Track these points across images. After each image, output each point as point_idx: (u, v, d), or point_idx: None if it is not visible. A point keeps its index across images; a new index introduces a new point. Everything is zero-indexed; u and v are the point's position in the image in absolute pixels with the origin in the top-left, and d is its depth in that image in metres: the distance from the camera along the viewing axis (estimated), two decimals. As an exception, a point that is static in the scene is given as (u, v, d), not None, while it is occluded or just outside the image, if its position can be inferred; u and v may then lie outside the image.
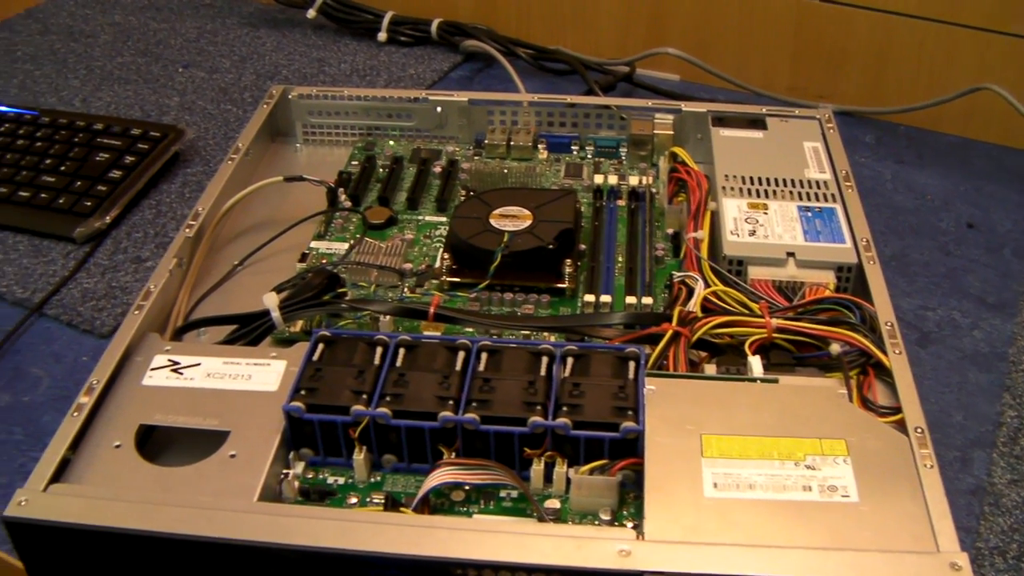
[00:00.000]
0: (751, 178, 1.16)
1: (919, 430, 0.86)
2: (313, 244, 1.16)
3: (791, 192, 1.14)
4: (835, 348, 0.96)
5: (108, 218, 1.28)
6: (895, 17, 1.45)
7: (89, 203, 1.29)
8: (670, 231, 1.16)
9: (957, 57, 1.45)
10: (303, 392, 0.89)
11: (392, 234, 1.18)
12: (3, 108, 1.48)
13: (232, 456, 0.86)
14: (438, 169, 1.29)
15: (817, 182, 1.16)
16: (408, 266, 1.12)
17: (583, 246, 1.14)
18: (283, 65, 1.68)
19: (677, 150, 1.24)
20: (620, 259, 1.13)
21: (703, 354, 0.98)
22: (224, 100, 1.58)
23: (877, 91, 1.53)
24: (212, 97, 1.59)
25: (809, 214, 1.10)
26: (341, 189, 1.23)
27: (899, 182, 1.38)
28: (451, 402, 0.87)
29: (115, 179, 1.33)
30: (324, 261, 1.13)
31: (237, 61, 1.70)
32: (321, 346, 0.94)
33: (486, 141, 1.32)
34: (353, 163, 1.30)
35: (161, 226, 1.29)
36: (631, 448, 0.86)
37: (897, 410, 0.89)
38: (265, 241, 1.17)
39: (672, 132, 1.29)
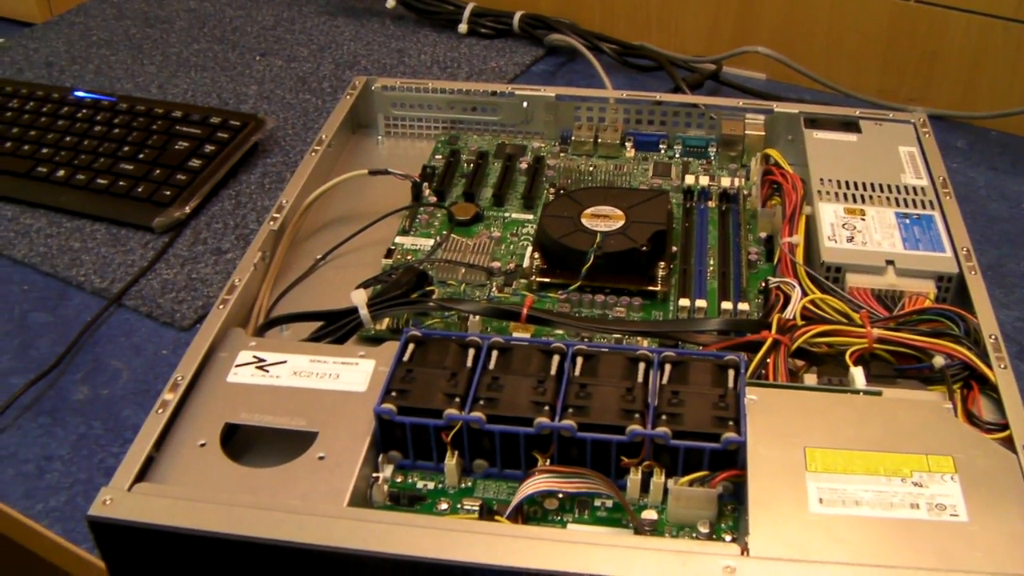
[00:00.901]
0: (847, 182, 1.14)
1: (1028, 448, 0.83)
2: (398, 239, 1.15)
3: (888, 198, 1.12)
4: (938, 361, 0.93)
5: (188, 208, 1.27)
6: (991, 19, 1.42)
7: (168, 192, 1.28)
8: (763, 235, 1.14)
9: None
10: (394, 393, 0.87)
11: (479, 231, 1.17)
12: (80, 93, 1.47)
13: (321, 458, 0.84)
14: (524, 165, 1.27)
15: (914, 188, 1.13)
16: (496, 264, 1.10)
17: (675, 248, 1.12)
18: (362, 55, 1.67)
19: (771, 152, 1.22)
20: (712, 262, 1.11)
21: (800, 363, 0.96)
22: (303, 90, 1.56)
23: (970, 95, 1.50)
24: (290, 86, 1.57)
25: (907, 221, 1.08)
26: (425, 184, 1.22)
27: (993, 189, 1.36)
28: (547, 408, 0.85)
29: (195, 168, 1.32)
30: (410, 257, 1.12)
31: (315, 50, 1.68)
32: (412, 346, 0.92)
33: (572, 138, 1.31)
34: (437, 157, 1.29)
35: (241, 217, 1.28)
36: (732, 460, 0.84)
37: (1004, 427, 0.87)
38: (349, 235, 1.15)
39: (763, 133, 1.27)
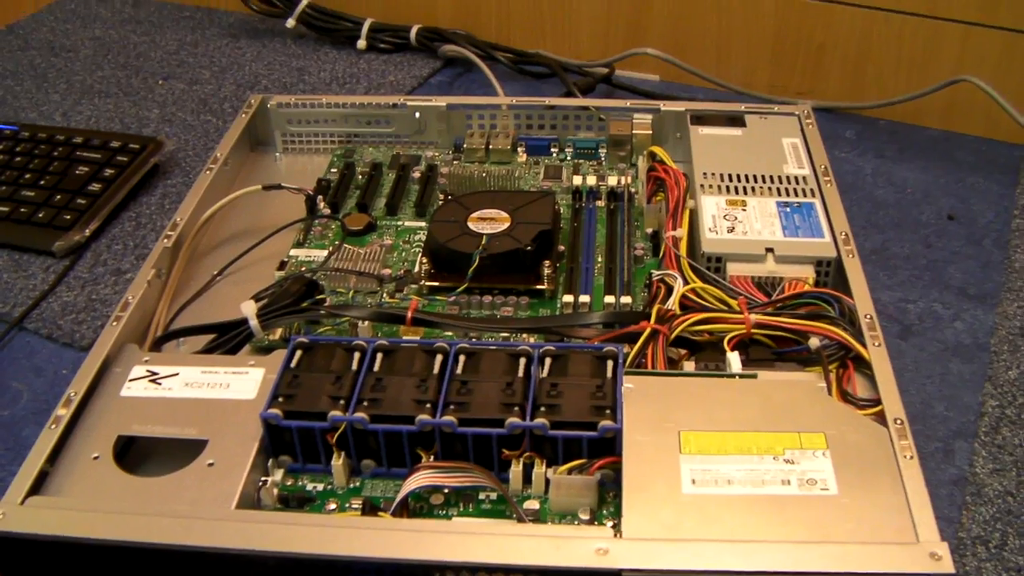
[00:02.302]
0: (730, 175, 1.16)
1: (898, 421, 0.86)
2: (292, 252, 1.16)
3: (770, 188, 1.14)
4: (814, 342, 0.96)
5: (87, 231, 1.28)
6: (874, 11, 1.45)
7: (68, 216, 1.29)
8: (649, 230, 1.16)
9: (937, 50, 1.45)
10: (281, 399, 0.89)
11: (371, 240, 1.18)
12: (-18, 124, 1.48)
13: (210, 464, 0.86)
14: (417, 174, 1.29)
15: (796, 177, 1.16)
16: (387, 272, 1.12)
17: (562, 247, 1.14)
18: (263, 75, 1.68)
19: (655, 149, 1.24)
20: (600, 259, 1.13)
21: (683, 352, 0.98)
22: (204, 111, 1.58)
23: (858, 86, 1.53)
24: (192, 108, 1.58)
25: (788, 210, 1.10)
26: (320, 196, 1.23)
27: (880, 176, 1.38)
28: (429, 405, 0.87)
29: (94, 192, 1.33)
30: (303, 269, 1.13)
31: (217, 72, 1.70)
32: (299, 353, 0.93)
33: (465, 145, 1.32)
34: (332, 170, 1.30)
35: (141, 238, 1.29)
36: (610, 447, 0.85)
37: (877, 402, 0.89)
38: (244, 250, 1.16)
39: (651, 132, 1.29)
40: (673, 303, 1.01)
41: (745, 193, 1.13)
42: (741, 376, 0.92)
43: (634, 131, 1.30)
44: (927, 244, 1.26)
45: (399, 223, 1.21)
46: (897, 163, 1.41)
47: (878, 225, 1.29)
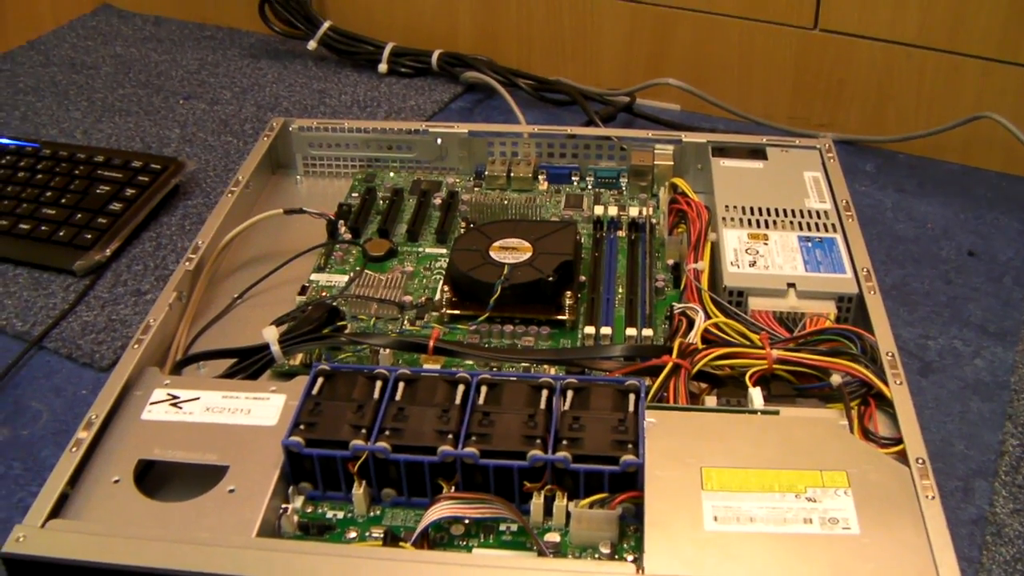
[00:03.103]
0: (751, 208, 1.16)
1: (920, 461, 0.86)
2: (313, 277, 1.16)
3: (791, 222, 1.14)
4: (836, 379, 0.95)
5: (108, 251, 1.29)
6: (896, 46, 1.45)
7: (89, 236, 1.29)
8: (670, 262, 1.16)
9: (957, 86, 1.45)
10: (302, 427, 0.88)
11: (392, 266, 1.18)
12: (4, 140, 1.48)
13: (231, 491, 0.86)
14: (438, 201, 1.29)
15: (817, 212, 1.16)
16: (408, 299, 1.12)
17: (583, 278, 1.14)
18: (284, 97, 1.69)
19: (677, 181, 1.24)
20: (620, 290, 1.13)
21: (704, 386, 0.98)
22: (225, 132, 1.58)
23: (878, 120, 1.53)
24: (213, 129, 1.59)
25: (809, 244, 1.10)
26: (341, 221, 1.23)
27: (900, 211, 1.38)
28: (450, 436, 0.87)
29: (115, 212, 1.34)
30: (324, 294, 1.13)
31: (238, 93, 1.70)
32: (320, 380, 0.93)
33: (486, 172, 1.33)
34: (353, 195, 1.31)
35: (161, 259, 1.30)
36: (631, 481, 0.85)
37: (898, 441, 0.89)
38: (265, 274, 1.17)
39: (672, 163, 1.30)
40: (695, 337, 1.01)
41: (767, 227, 1.13)
42: (763, 412, 0.92)
43: (655, 161, 1.30)
44: (947, 280, 1.26)
45: (420, 249, 1.21)
46: (917, 197, 1.41)
47: (898, 260, 1.29)
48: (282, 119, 1.37)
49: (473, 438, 0.87)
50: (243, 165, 1.30)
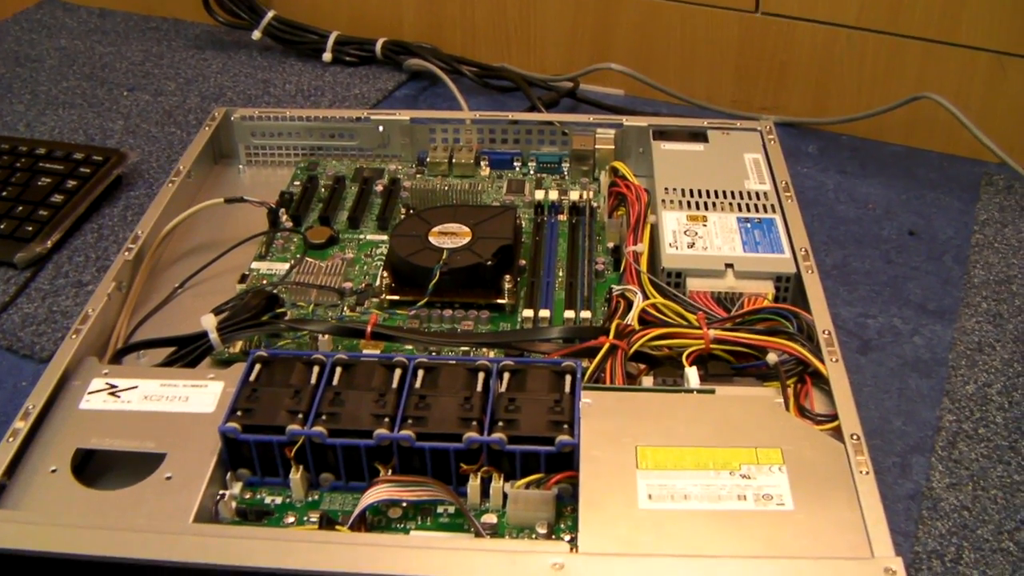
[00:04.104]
0: (691, 191, 1.16)
1: (855, 437, 0.86)
2: (254, 265, 1.16)
3: (731, 204, 1.14)
4: (772, 357, 0.96)
5: (49, 243, 1.28)
6: (837, 28, 1.45)
7: (30, 228, 1.29)
8: (611, 245, 1.16)
9: (899, 67, 1.46)
10: (239, 413, 0.88)
11: (333, 253, 1.18)
12: (-54, 135, 1.48)
13: (168, 478, 0.85)
14: (380, 188, 1.29)
15: (757, 193, 1.16)
16: (348, 285, 1.12)
17: (523, 262, 1.14)
18: (228, 87, 1.69)
19: (617, 164, 1.24)
20: (561, 274, 1.13)
21: (642, 367, 0.98)
22: (169, 123, 1.58)
23: (820, 102, 1.54)
24: (156, 120, 1.59)
25: (748, 225, 1.11)
26: (282, 209, 1.23)
27: (842, 192, 1.39)
28: (387, 420, 0.87)
29: (56, 204, 1.33)
30: (264, 282, 1.13)
31: (182, 84, 1.70)
32: (258, 367, 0.93)
33: (428, 159, 1.33)
34: (295, 183, 1.30)
35: (103, 250, 1.29)
36: (567, 462, 0.85)
37: (834, 417, 0.89)
38: (206, 263, 1.16)
39: (613, 147, 1.30)
40: (632, 318, 1.01)
41: (706, 208, 1.14)
42: (699, 391, 0.92)
43: (597, 146, 1.30)
44: (888, 260, 1.26)
45: (361, 236, 1.21)
46: (859, 179, 1.42)
47: (839, 241, 1.29)
48: (224, 109, 1.36)
49: (409, 421, 0.87)
50: (184, 155, 1.29)
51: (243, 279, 1.13)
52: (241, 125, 1.35)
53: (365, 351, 1.01)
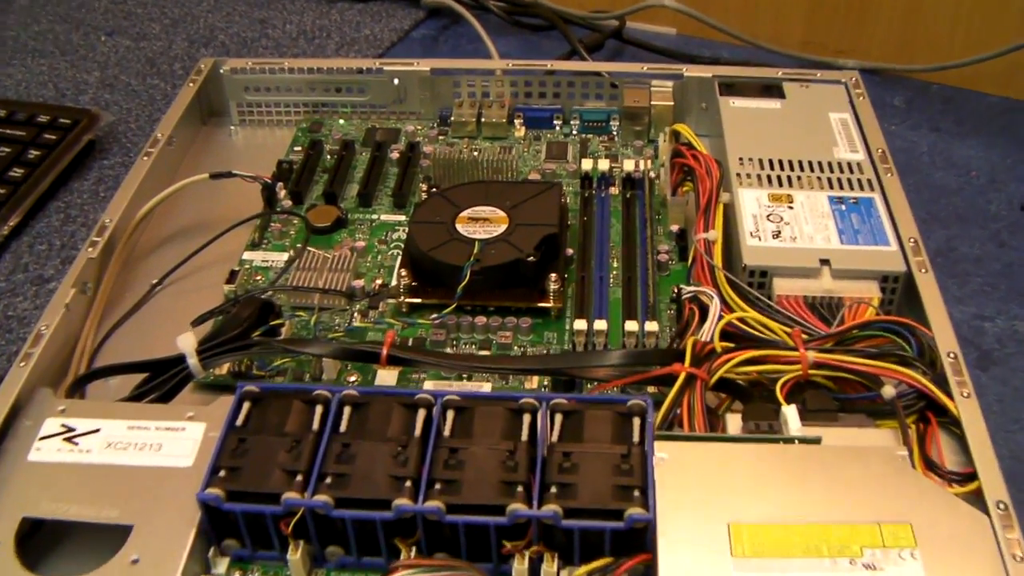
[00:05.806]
0: (770, 161, 1.02)
1: (1002, 505, 0.71)
2: (246, 256, 1.03)
3: (819, 179, 1.00)
4: (888, 391, 0.80)
5: (6, 228, 1.13)
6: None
7: (-17, 209, 1.15)
8: (674, 228, 1.04)
9: (1000, 8, 1.32)
10: (222, 473, 0.73)
11: (340, 240, 1.05)
12: None
13: (134, 561, 0.71)
14: (396, 155, 1.16)
15: (849, 164, 1.02)
16: (359, 283, 0.98)
17: (570, 251, 1.01)
18: (220, 28, 1.57)
19: (681, 128, 1.09)
20: (615, 265, 1.00)
21: (723, 396, 0.83)
22: (151, 73, 1.45)
23: (906, 46, 1.42)
24: (137, 71, 1.46)
25: (843, 207, 0.96)
26: (280, 184, 1.09)
27: (937, 155, 1.25)
28: (408, 484, 0.72)
29: (15, 179, 1.18)
30: (258, 278, 1.00)
31: (168, 25, 1.58)
32: (247, 405, 0.78)
33: (452, 118, 1.21)
34: (296, 148, 1.18)
35: (70, 235, 1.15)
36: (639, 541, 0.71)
37: (970, 476, 0.75)
38: (188, 254, 1.02)
39: (672, 103, 1.17)
40: (712, 333, 0.85)
41: (790, 184, 0.99)
42: (801, 440, 0.76)
43: (653, 102, 1.17)
44: (1000, 243, 1.12)
45: (374, 217, 1.08)
46: (956, 138, 1.28)
47: (940, 218, 1.15)
48: (211, 60, 1.23)
49: (437, 486, 0.72)
50: (164, 119, 1.16)
51: (232, 277, 0.99)
52: (232, 79, 1.22)
53: (380, 377, 0.88)
